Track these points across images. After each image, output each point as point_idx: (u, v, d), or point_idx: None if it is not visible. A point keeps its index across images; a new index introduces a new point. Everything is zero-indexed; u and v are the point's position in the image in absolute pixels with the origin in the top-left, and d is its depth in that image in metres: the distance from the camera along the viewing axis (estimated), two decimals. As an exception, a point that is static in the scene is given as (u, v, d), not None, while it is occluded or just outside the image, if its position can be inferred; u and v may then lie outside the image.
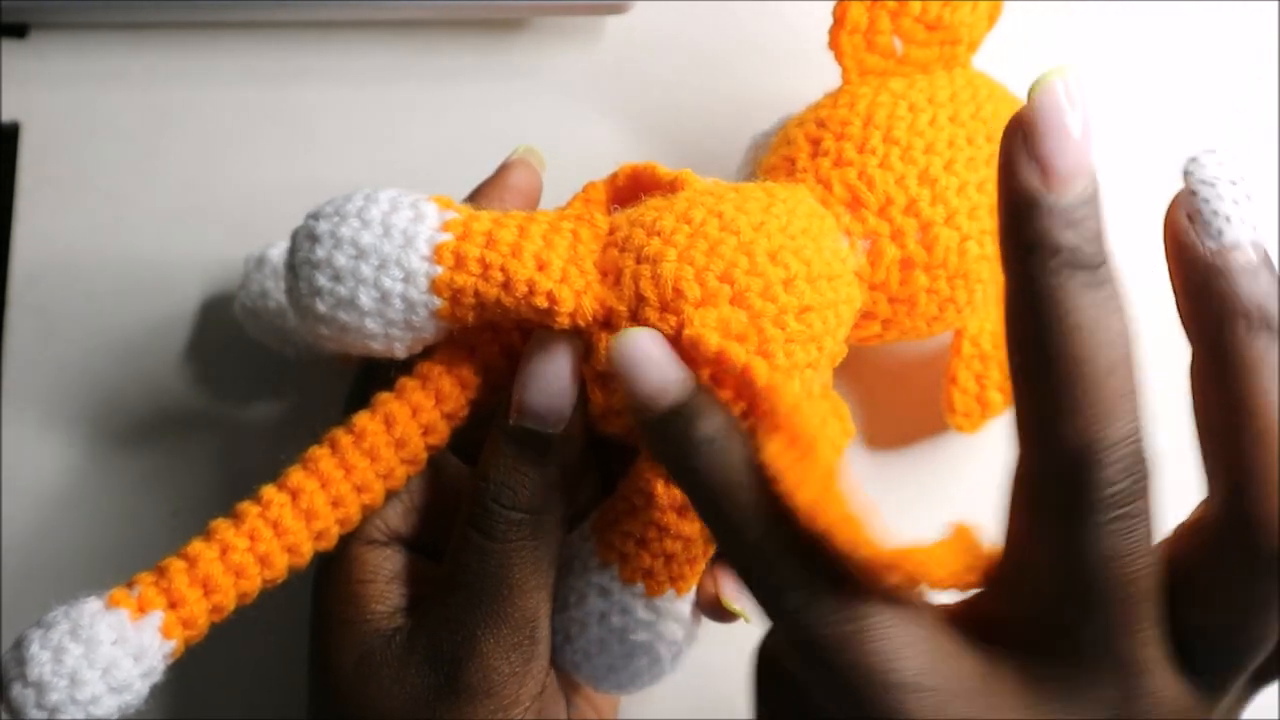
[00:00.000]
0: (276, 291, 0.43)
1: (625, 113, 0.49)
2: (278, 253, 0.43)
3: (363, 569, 0.37)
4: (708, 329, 0.33)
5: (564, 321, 0.34)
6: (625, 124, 0.49)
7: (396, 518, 0.37)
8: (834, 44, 0.40)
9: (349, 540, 0.36)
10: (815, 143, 0.39)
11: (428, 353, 0.36)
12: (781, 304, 0.34)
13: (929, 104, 0.38)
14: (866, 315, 0.38)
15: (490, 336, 0.36)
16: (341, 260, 0.34)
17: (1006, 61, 0.42)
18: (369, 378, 0.38)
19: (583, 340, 0.35)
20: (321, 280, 0.34)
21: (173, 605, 0.33)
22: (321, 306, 0.35)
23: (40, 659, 0.32)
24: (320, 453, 0.35)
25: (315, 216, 0.35)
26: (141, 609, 0.33)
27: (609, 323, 0.34)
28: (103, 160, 0.48)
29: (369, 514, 0.36)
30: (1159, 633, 0.28)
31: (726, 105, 0.49)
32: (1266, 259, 0.28)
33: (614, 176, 0.38)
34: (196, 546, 0.34)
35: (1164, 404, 0.30)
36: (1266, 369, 0.27)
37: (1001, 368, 0.42)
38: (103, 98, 0.49)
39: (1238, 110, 0.50)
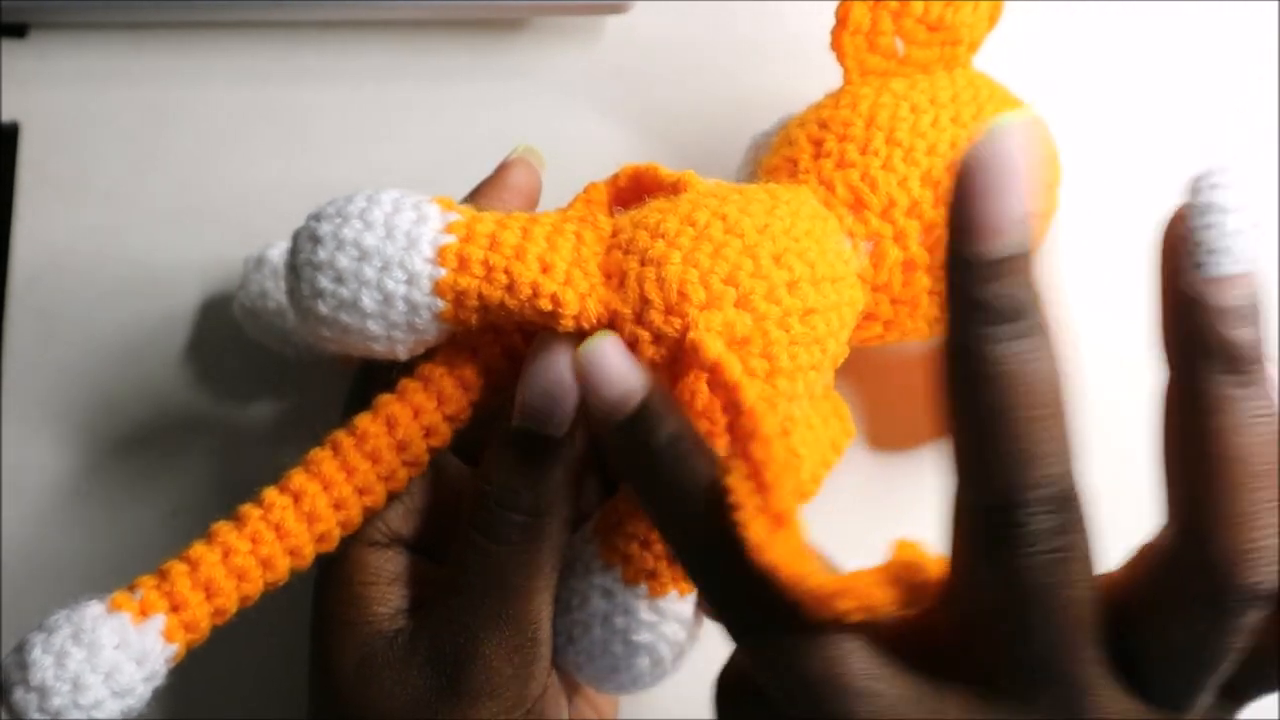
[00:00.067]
0: (276, 292, 0.43)
1: (625, 113, 0.49)
2: (277, 253, 0.43)
3: (364, 571, 0.37)
4: (711, 333, 0.33)
5: (568, 324, 0.34)
6: (625, 124, 0.49)
7: (398, 519, 0.37)
8: (836, 44, 0.40)
9: (350, 542, 0.36)
10: (818, 144, 0.39)
11: (429, 354, 0.36)
12: (786, 306, 0.34)
13: (931, 105, 0.38)
14: (869, 316, 0.38)
15: (492, 338, 0.36)
16: (344, 262, 0.34)
17: (1007, 62, 0.42)
18: (369, 379, 0.38)
19: (586, 343, 0.35)
20: (323, 282, 0.34)
21: (175, 608, 0.33)
22: (323, 308, 0.34)
23: (43, 663, 0.32)
24: (322, 455, 0.35)
25: (317, 218, 0.35)
26: (144, 612, 0.33)
27: (613, 325, 0.34)
28: (102, 160, 0.48)
29: (371, 516, 0.36)
30: (1102, 653, 0.28)
31: (726, 105, 0.49)
32: (1254, 297, 0.27)
33: (615, 177, 0.38)
34: (198, 549, 0.34)
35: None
36: (1231, 409, 0.27)
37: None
38: (102, 97, 0.48)
39: (1238, 110, 0.50)
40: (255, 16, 0.49)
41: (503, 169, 0.41)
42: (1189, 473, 0.28)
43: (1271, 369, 0.28)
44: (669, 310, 0.33)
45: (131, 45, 0.49)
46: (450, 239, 0.34)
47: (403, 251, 0.34)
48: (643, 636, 0.36)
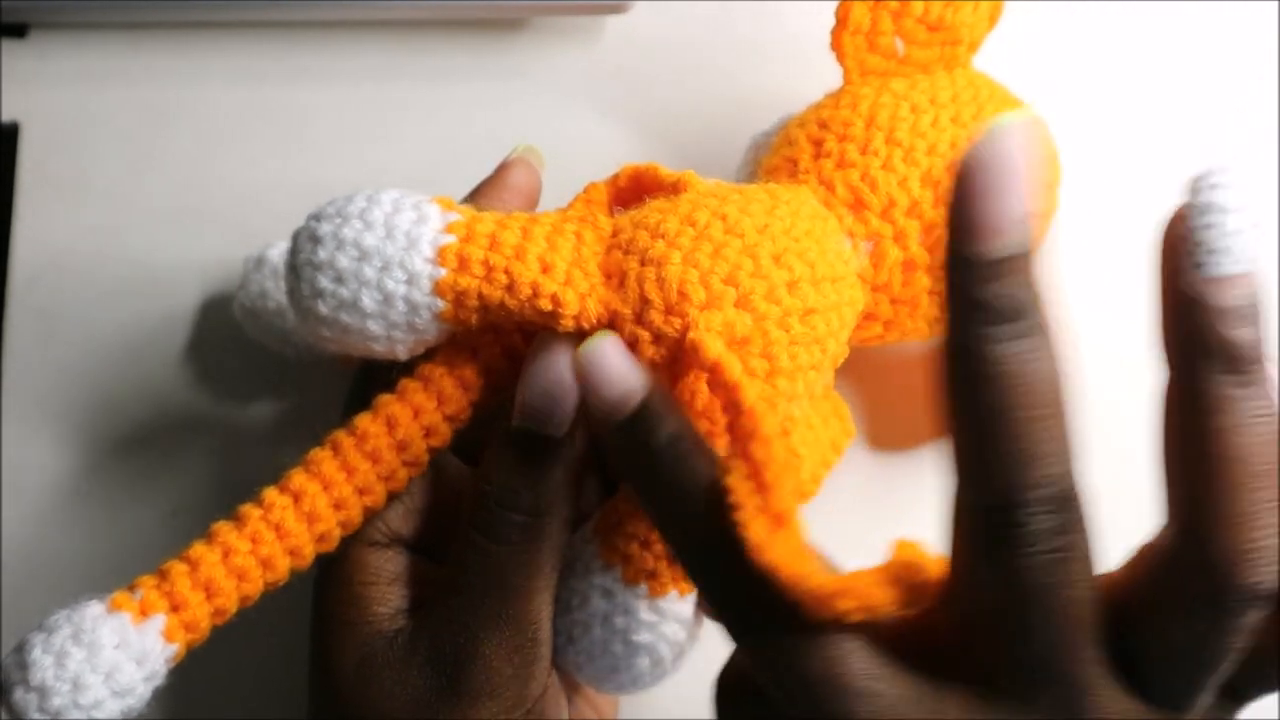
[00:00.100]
0: (276, 292, 0.43)
1: (625, 113, 0.49)
2: (277, 253, 0.43)
3: (364, 571, 0.37)
4: (711, 332, 0.33)
5: (568, 324, 0.34)
6: (625, 124, 0.49)
7: (398, 519, 0.37)
8: (836, 44, 0.40)
9: (350, 542, 0.36)
10: (818, 144, 0.39)
11: (429, 354, 0.36)
12: (786, 306, 0.34)
13: (931, 105, 0.38)
14: (869, 316, 0.38)
15: (492, 338, 0.36)
16: (344, 262, 0.34)
17: (1007, 62, 0.42)
18: (368, 378, 0.38)
19: (586, 343, 0.35)
20: (324, 282, 0.34)
21: (175, 608, 0.33)
22: (323, 308, 0.34)
23: (43, 663, 0.32)
24: (322, 455, 0.35)
25: (317, 218, 0.35)
26: (144, 612, 0.33)
27: (613, 325, 0.34)
28: (102, 160, 0.48)
29: (371, 516, 0.36)
30: (1102, 653, 0.28)
31: (726, 105, 0.49)
32: (1254, 297, 0.27)
33: (615, 177, 0.38)
34: (198, 549, 0.34)
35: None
36: (1231, 409, 0.27)
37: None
38: (102, 97, 0.48)
39: (1238, 110, 0.50)
40: (255, 16, 0.49)
41: (503, 169, 0.41)
42: (1189, 473, 0.28)
43: (1271, 369, 0.28)
44: (669, 310, 0.33)
45: (131, 45, 0.49)
46: (450, 239, 0.34)
47: (403, 251, 0.34)
48: (643, 636, 0.36)
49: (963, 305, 0.26)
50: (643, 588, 0.36)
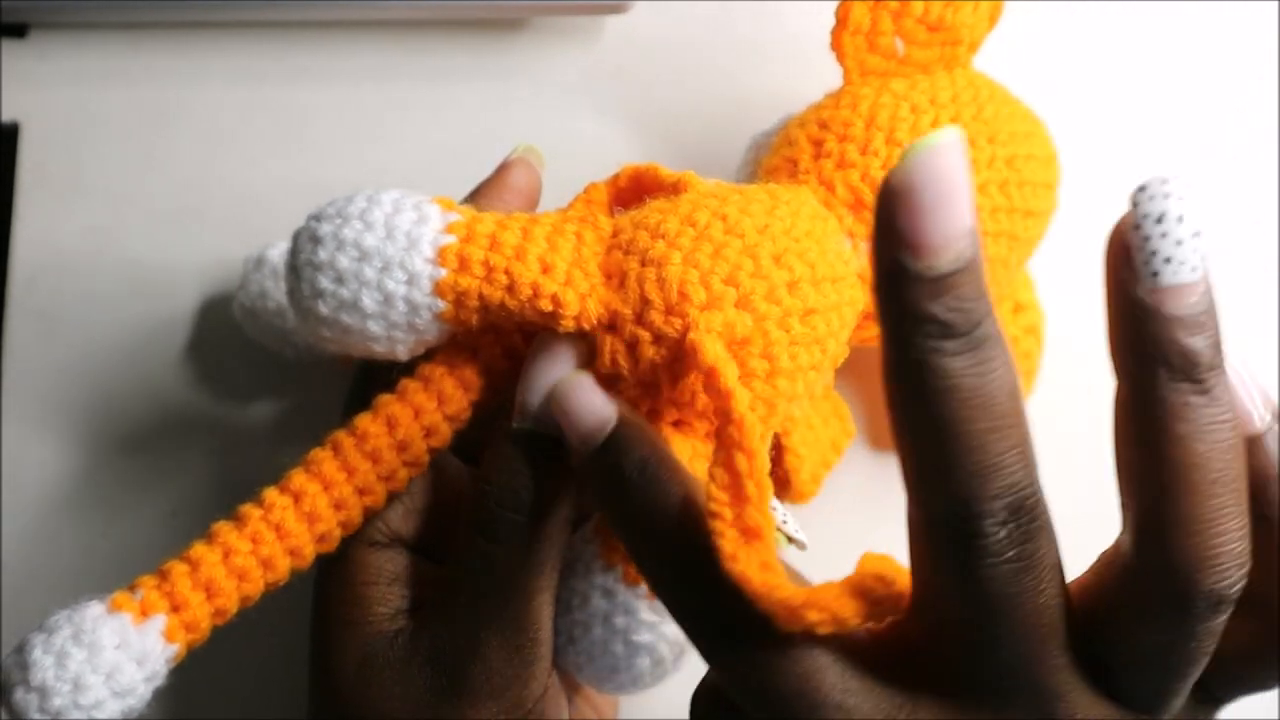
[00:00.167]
0: (276, 292, 0.43)
1: (625, 113, 0.49)
2: (277, 253, 0.43)
3: (365, 571, 0.37)
4: (711, 334, 0.33)
5: (569, 325, 0.34)
6: (625, 124, 0.49)
7: (398, 519, 0.37)
8: (836, 45, 0.40)
9: (351, 542, 0.36)
10: (818, 144, 0.39)
11: (429, 354, 0.36)
12: (786, 307, 0.34)
13: (931, 105, 0.38)
14: (868, 316, 0.38)
15: (492, 338, 0.36)
16: (344, 262, 0.34)
17: (1007, 62, 0.42)
18: (368, 379, 0.38)
19: (586, 343, 0.35)
20: (324, 282, 0.34)
21: (175, 609, 0.33)
22: (324, 309, 0.34)
23: (43, 664, 0.32)
24: (322, 455, 0.35)
25: (317, 218, 0.35)
26: (144, 613, 0.33)
27: (614, 325, 0.34)
28: (102, 160, 0.48)
29: (371, 516, 0.36)
30: (1072, 659, 0.29)
31: (726, 105, 0.49)
32: (1203, 305, 0.27)
33: (616, 178, 0.38)
34: (199, 549, 0.34)
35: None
36: (1188, 417, 0.27)
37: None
38: (102, 97, 0.48)
39: (1238, 110, 0.50)
40: (255, 16, 0.49)
41: (503, 169, 0.41)
42: (1149, 480, 0.28)
43: (1226, 375, 0.28)
44: (669, 311, 0.33)
45: (131, 45, 0.49)
46: (450, 239, 0.34)
47: (403, 252, 0.34)
48: (643, 636, 0.36)
49: (912, 320, 0.26)
50: (643, 588, 0.36)
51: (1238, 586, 0.27)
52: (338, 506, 0.35)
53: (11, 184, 0.48)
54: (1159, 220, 0.27)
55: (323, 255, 0.34)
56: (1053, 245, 0.42)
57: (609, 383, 0.34)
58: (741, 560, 0.28)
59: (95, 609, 0.33)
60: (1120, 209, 0.28)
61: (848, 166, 0.38)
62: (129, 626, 0.33)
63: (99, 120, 0.48)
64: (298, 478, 0.35)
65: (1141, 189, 0.27)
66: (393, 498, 0.36)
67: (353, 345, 0.35)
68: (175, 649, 0.33)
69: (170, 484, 0.46)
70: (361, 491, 0.35)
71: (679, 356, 0.33)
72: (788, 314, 0.34)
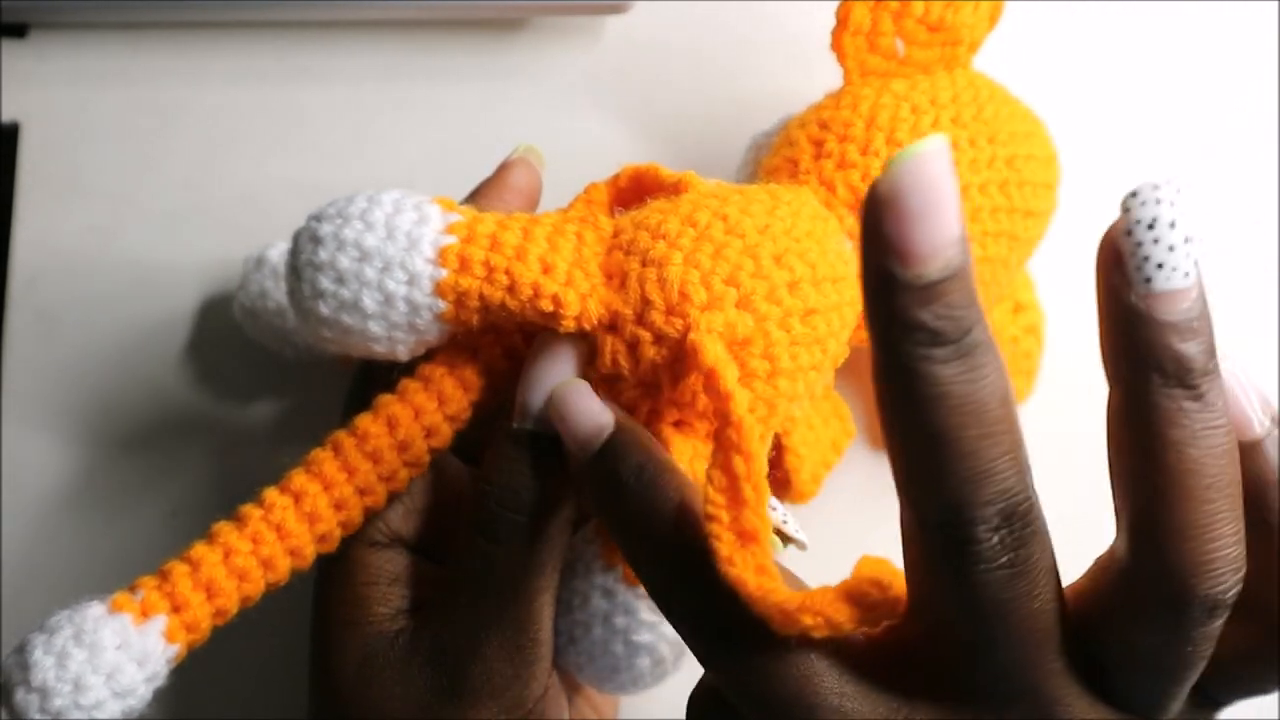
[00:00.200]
0: (276, 292, 0.43)
1: (625, 113, 0.49)
2: (277, 253, 0.43)
3: (365, 571, 0.37)
4: (712, 334, 0.33)
5: (569, 325, 0.34)
6: (625, 124, 0.49)
7: (398, 519, 0.37)
8: (836, 45, 0.40)
9: (351, 542, 0.36)
10: (818, 145, 0.39)
11: (429, 354, 0.36)
12: (787, 307, 0.34)
13: (931, 106, 0.38)
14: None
15: (493, 338, 0.36)
16: (345, 263, 0.34)
17: (1007, 62, 0.42)
18: (368, 379, 0.38)
19: (587, 343, 0.35)
20: (324, 283, 0.34)
21: (176, 609, 0.33)
22: (324, 309, 0.34)
23: (44, 664, 0.32)
24: (323, 455, 0.35)
25: (318, 218, 0.35)
26: (145, 613, 0.33)
27: (614, 326, 0.34)
28: (102, 160, 0.48)
29: (371, 516, 0.36)
30: (1068, 664, 0.29)
31: (726, 105, 0.49)
32: (1196, 311, 0.27)
33: (616, 178, 0.38)
34: (199, 550, 0.34)
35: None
36: (1182, 422, 0.27)
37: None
38: (102, 98, 0.48)
39: (1238, 110, 0.50)
40: (254, 16, 0.49)
41: (503, 169, 0.40)
42: (1143, 486, 0.28)
43: (1221, 380, 0.28)
44: (670, 311, 0.33)
45: (130, 45, 0.49)
46: (451, 240, 0.34)
47: (404, 252, 0.34)
48: (644, 637, 0.36)
49: (902, 327, 0.26)
50: (643, 588, 0.36)
51: (1233, 591, 0.27)
52: (338, 507, 0.35)
53: (11, 184, 0.48)
54: (1151, 226, 0.27)
55: (323, 255, 0.34)
56: (1053, 245, 0.42)
57: (609, 383, 0.34)
58: (738, 564, 0.28)
59: (96, 609, 0.33)
60: (1119, 209, 0.28)
61: (848, 167, 0.38)
62: (130, 627, 0.33)
63: (99, 120, 0.48)
64: (298, 478, 0.35)
65: (1133, 194, 0.27)
66: (393, 498, 0.36)
67: (353, 345, 0.35)
68: (176, 649, 0.33)
69: (170, 484, 0.46)
70: (362, 492, 0.35)
71: (680, 357, 0.33)
72: (788, 314, 0.34)
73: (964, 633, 0.28)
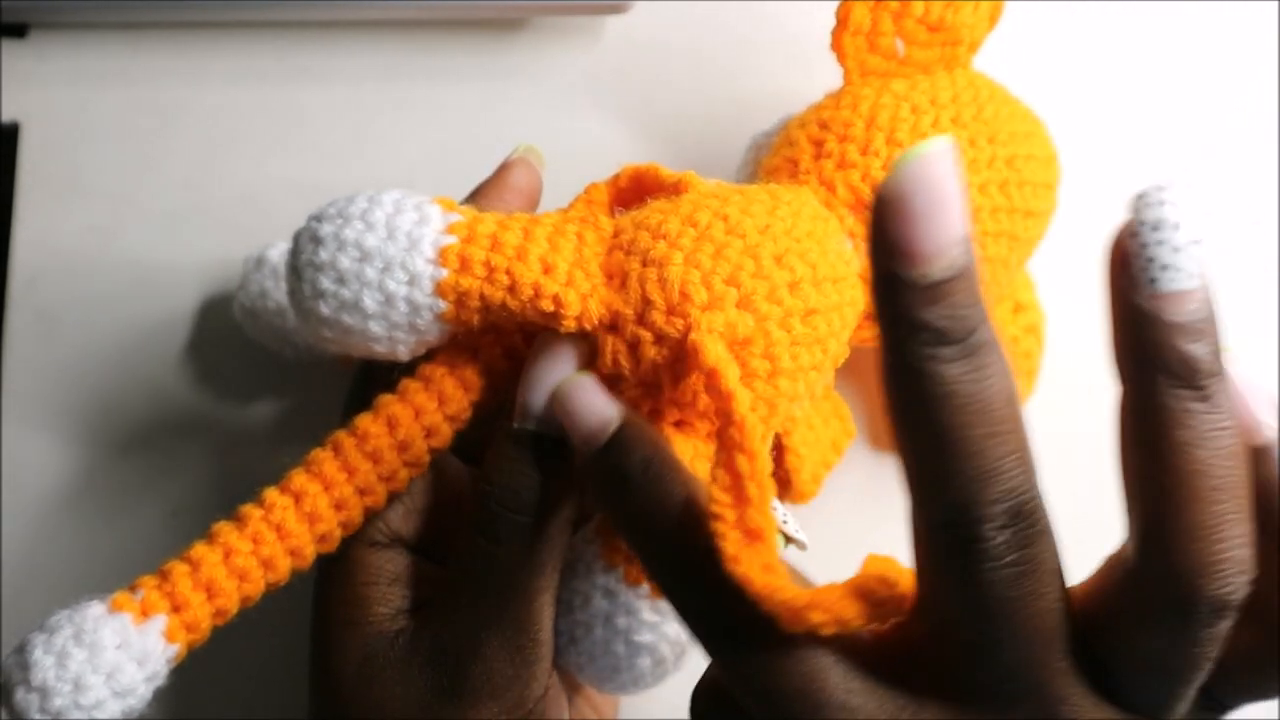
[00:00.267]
0: (276, 292, 0.43)
1: (625, 113, 0.49)
2: (277, 253, 0.43)
3: (365, 571, 0.37)
4: (713, 334, 0.33)
5: (570, 325, 0.34)
6: (625, 124, 0.49)
7: (398, 519, 0.37)
8: (836, 45, 0.40)
9: (351, 542, 0.36)
10: (818, 145, 0.39)
11: (430, 354, 0.36)
12: (787, 307, 0.34)
13: (931, 106, 0.38)
14: (869, 316, 0.38)
15: (493, 338, 0.36)
16: (345, 263, 0.34)
17: (1007, 62, 0.42)
18: (368, 379, 0.38)
19: (587, 343, 0.35)
20: (325, 283, 0.34)
21: (176, 609, 0.33)
22: (325, 309, 0.34)
23: (44, 664, 0.32)
24: (323, 455, 0.35)
25: (318, 218, 0.35)
26: (145, 613, 0.33)
27: (615, 326, 0.34)
28: (102, 160, 0.48)
29: (371, 516, 0.36)
30: (1074, 663, 0.29)
31: (726, 105, 0.49)
32: (1202, 312, 0.27)
33: (616, 178, 0.38)
34: (199, 549, 0.34)
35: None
36: (1190, 424, 0.27)
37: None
38: (102, 97, 0.48)
39: (1238, 110, 0.50)
40: (254, 16, 0.49)
41: (503, 169, 0.41)
42: (1151, 487, 0.28)
43: (1228, 382, 0.28)
44: (671, 311, 0.33)
45: (130, 45, 0.49)
46: (452, 240, 0.34)
47: (404, 252, 0.34)
48: (644, 637, 0.36)
49: (908, 327, 0.26)
50: (644, 588, 0.36)
51: (1240, 593, 0.27)
52: (338, 507, 0.35)
53: (11, 184, 0.48)
54: (1156, 228, 0.27)
55: (324, 256, 0.34)
56: (1053, 245, 0.42)
57: (610, 383, 0.34)
58: (744, 562, 0.28)
59: (96, 609, 0.33)
60: (1120, 210, 0.28)
61: (848, 167, 0.38)
62: (130, 627, 0.33)
63: (99, 120, 0.48)
64: (298, 478, 0.35)
65: (1139, 196, 0.27)
66: (393, 498, 0.36)
67: (354, 346, 0.35)
68: (176, 649, 0.33)
69: (170, 484, 0.46)
70: (362, 492, 0.35)
71: (680, 357, 0.33)
72: (789, 314, 0.34)
73: (970, 631, 0.28)
